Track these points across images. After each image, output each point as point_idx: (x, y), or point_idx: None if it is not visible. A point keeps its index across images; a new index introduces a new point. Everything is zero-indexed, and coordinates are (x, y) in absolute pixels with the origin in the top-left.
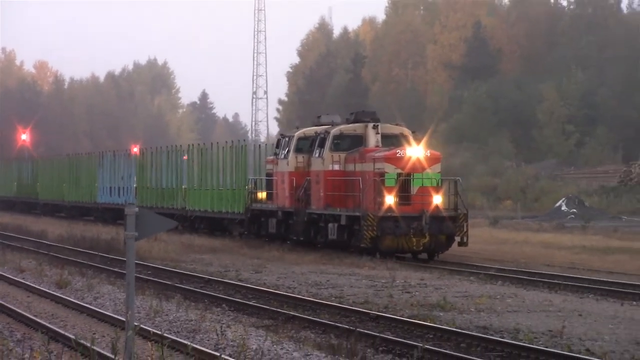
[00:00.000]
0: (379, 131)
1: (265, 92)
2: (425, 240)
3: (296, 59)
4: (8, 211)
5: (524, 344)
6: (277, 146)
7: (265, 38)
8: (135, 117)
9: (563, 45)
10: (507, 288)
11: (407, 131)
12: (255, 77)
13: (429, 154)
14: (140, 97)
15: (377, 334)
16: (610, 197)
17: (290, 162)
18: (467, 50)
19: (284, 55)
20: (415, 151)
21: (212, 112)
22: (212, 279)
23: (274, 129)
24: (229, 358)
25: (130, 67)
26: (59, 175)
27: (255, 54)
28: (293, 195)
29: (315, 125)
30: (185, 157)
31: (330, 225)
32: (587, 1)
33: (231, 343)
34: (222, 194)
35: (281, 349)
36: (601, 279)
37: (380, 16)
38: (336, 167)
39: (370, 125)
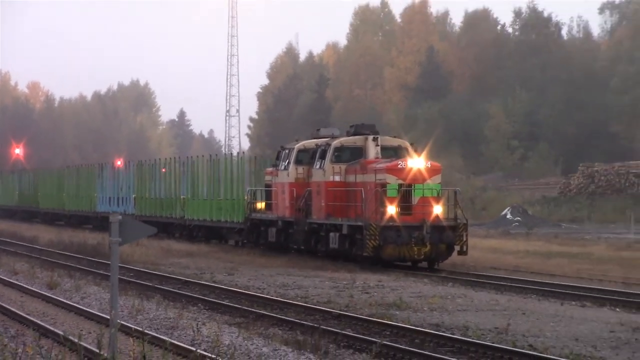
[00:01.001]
0: (379, 143)
1: (238, 111)
2: (426, 249)
3: (266, 81)
4: (10, 219)
5: (473, 340)
6: (277, 158)
7: (237, 61)
8: (119, 133)
9: (509, 68)
10: (457, 289)
11: (405, 143)
12: (228, 97)
13: (429, 165)
14: (124, 115)
15: (339, 331)
16: (551, 206)
17: (290, 173)
18: (421, 73)
19: (254, 77)
20: (416, 162)
21: (189, 128)
22: (189, 280)
23: (246, 145)
24: (204, 352)
25: (115, 87)
26: (58, 185)
27: (229, 76)
28: (293, 205)
29: (315, 138)
30: (163, 170)
31: (331, 234)
32: (530, 28)
33: (206, 339)
34: (221, 204)
35: (251, 344)
36: (543, 281)
37: (342, 41)
38: (337, 178)
39: (370, 137)
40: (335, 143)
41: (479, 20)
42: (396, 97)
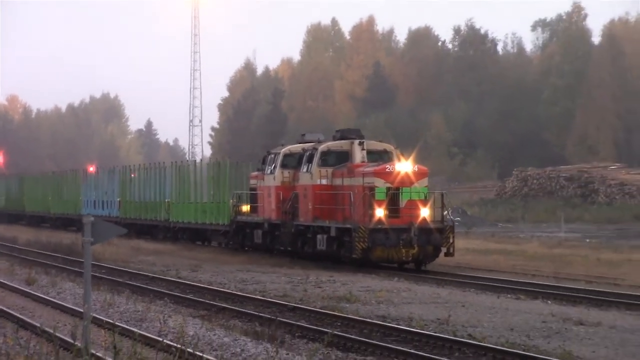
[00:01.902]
0: (365, 147)
1: (200, 121)
2: (413, 251)
3: (226, 93)
4: None
5: (417, 330)
6: (263, 162)
7: (200, 75)
8: (91, 142)
9: (449, 82)
10: (403, 283)
11: (390, 147)
12: (191, 108)
13: (416, 169)
14: (96, 125)
15: (294, 322)
16: (489, 207)
17: (277, 176)
18: (368, 86)
19: (216, 90)
20: (404, 166)
21: (156, 137)
22: (156, 276)
23: (208, 152)
24: (170, 342)
25: (87, 99)
26: (44, 189)
27: (192, 89)
28: (280, 208)
29: (300, 143)
30: (133, 174)
31: (319, 236)
32: (468, 44)
33: (172, 330)
34: (206, 207)
35: (214, 335)
36: (481, 276)
37: (296, 57)
38: (324, 181)
39: (356, 142)
40: (322, 147)
41: (422, 37)
42: (346, 107)
